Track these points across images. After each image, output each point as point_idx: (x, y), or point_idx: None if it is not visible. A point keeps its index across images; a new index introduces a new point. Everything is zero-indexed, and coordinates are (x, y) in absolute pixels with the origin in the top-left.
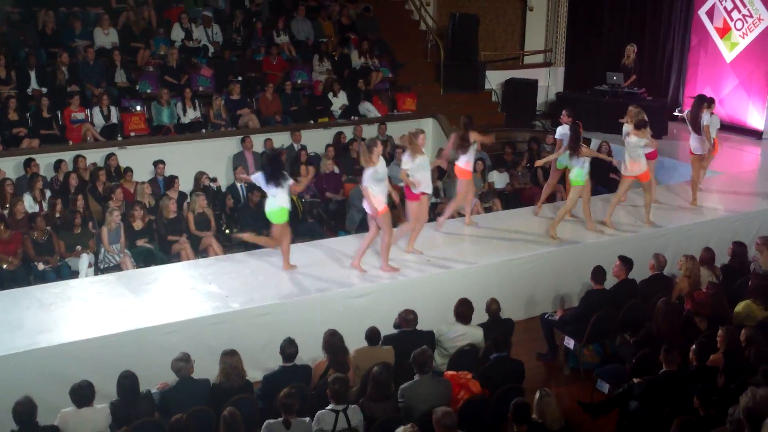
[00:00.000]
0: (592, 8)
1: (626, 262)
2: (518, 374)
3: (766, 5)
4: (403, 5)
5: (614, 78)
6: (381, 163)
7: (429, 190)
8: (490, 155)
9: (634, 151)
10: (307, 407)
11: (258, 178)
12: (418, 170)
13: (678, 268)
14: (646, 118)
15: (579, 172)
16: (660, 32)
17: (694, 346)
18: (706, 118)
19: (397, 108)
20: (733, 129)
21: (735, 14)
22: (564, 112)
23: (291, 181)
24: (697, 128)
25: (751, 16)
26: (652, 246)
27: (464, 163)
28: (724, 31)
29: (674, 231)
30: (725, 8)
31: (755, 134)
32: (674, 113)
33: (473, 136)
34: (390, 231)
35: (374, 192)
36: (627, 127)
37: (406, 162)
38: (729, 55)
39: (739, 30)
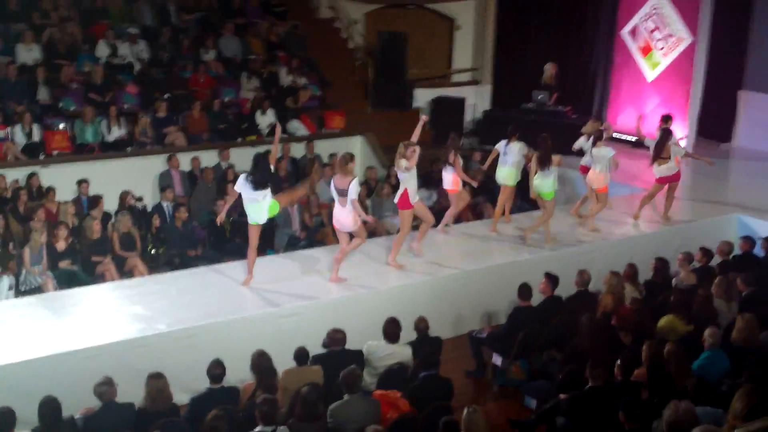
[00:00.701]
0: (518, 27)
1: (552, 279)
2: (447, 392)
3: (687, 25)
4: (332, 23)
5: (540, 96)
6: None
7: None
8: (418, 173)
9: (600, 163)
10: (235, 430)
11: (242, 184)
12: (410, 180)
13: (603, 284)
14: (602, 130)
15: (552, 183)
16: (584, 51)
17: (618, 361)
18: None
19: (326, 126)
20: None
21: (657, 34)
22: (510, 127)
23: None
24: (657, 157)
25: (672, 36)
26: (577, 263)
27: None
28: (646, 51)
29: (599, 248)
30: (647, 28)
31: None
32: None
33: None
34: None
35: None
36: (585, 144)
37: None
38: (651, 74)
39: (660, 50)
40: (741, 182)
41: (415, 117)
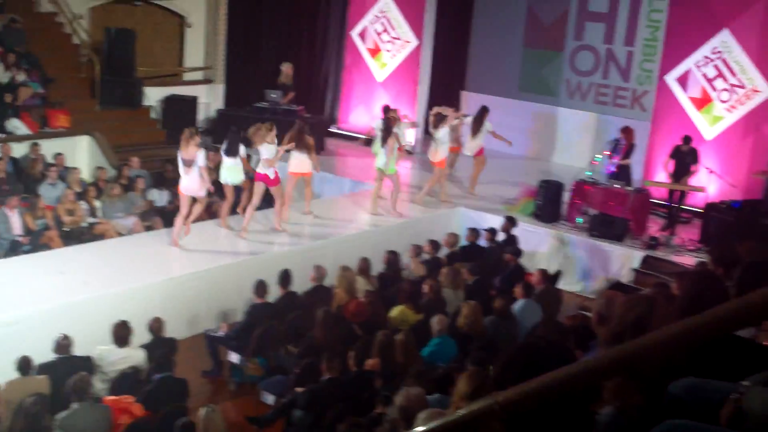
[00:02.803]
0: (250, 27)
1: (285, 277)
2: (183, 393)
3: (413, 29)
4: (54, 17)
5: (273, 95)
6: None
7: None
8: (151, 173)
9: (442, 142)
10: None
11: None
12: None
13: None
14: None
15: (391, 161)
16: (316, 52)
17: (352, 353)
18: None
19: (50, 125)
20: None
21: (385, 36)
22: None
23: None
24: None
25: (399, 38)
26: (313, 258)
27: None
28: (375, 52)
29: (333, 243)
30: (376, 30)
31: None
32: (330, 129)
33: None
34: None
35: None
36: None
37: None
38: (380, 74)
39: (389, 51)
40: (464, 178)
41: (145, 115)
